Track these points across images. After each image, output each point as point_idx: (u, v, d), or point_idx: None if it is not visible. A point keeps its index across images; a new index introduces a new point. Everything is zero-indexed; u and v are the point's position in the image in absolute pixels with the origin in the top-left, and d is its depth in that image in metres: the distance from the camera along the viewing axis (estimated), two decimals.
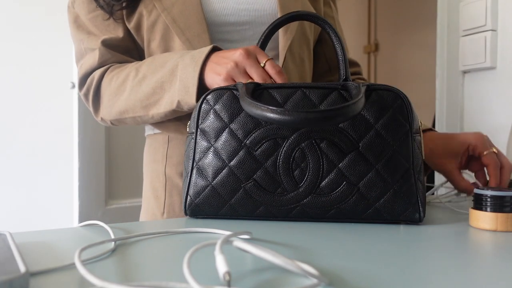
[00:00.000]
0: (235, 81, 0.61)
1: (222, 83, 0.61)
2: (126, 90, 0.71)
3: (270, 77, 0.60)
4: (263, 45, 0.66)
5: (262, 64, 0.61)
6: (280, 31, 0.73)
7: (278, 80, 0.60)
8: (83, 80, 0.77)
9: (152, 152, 0.78)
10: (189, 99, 0.64)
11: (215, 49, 0.65)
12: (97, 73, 0.74)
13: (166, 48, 0.72)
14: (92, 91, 0.75)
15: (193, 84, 0.63)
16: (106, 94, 0.74)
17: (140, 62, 0.72)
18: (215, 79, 0.62)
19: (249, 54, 0.61)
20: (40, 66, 1.76)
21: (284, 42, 0.73)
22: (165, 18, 0.70)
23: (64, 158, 1.82)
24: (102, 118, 0.77)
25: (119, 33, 0.74)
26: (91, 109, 0.78)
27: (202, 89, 0.63)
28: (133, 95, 0.70)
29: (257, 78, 0.60)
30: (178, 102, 0.65)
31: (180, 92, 0.65)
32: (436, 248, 0.42)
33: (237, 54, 0.61)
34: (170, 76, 0.66)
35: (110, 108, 0.74)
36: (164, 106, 0.68)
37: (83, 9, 0.74)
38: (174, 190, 0.74)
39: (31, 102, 1.76)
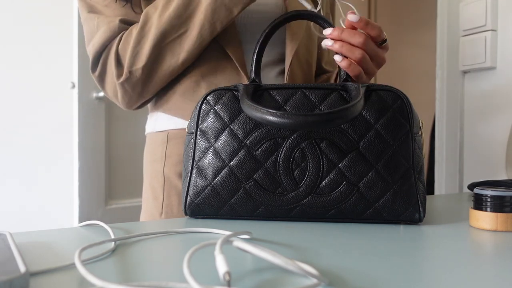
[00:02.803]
0: None
1: None
2: (153, 22, 0.65)
3: None
4: (263, 44, 0.64)
5: None
6: (287, 35, 0.73)
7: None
8: (97, 57, 0.69)
9: (151, 152, 0.78)
10: None
11: None
12: (115, 41, 0.68)
13: None
14: (112, 56, 0.68)
15: None
16: (130, 43, 0.66)
17: None
18: None
19: None
20: (40, 66, 1.76)
21: (291, 46, 0.73)
22: None
23: (64, 158, 1.82)
24: (130, 72, 0.67)
25: (138, 19, 0.70)
26: (113, 73, 0.68)
27: None
28: (164, 17, 0.64)
29: None
30: None
31: None
32: (436, 248, 0.42)
33: None
34: None
35: (140, 51, 0.66)
36: None
37: None
38: (173, 191, 0.73)
39: (31, 102, 1.76)
